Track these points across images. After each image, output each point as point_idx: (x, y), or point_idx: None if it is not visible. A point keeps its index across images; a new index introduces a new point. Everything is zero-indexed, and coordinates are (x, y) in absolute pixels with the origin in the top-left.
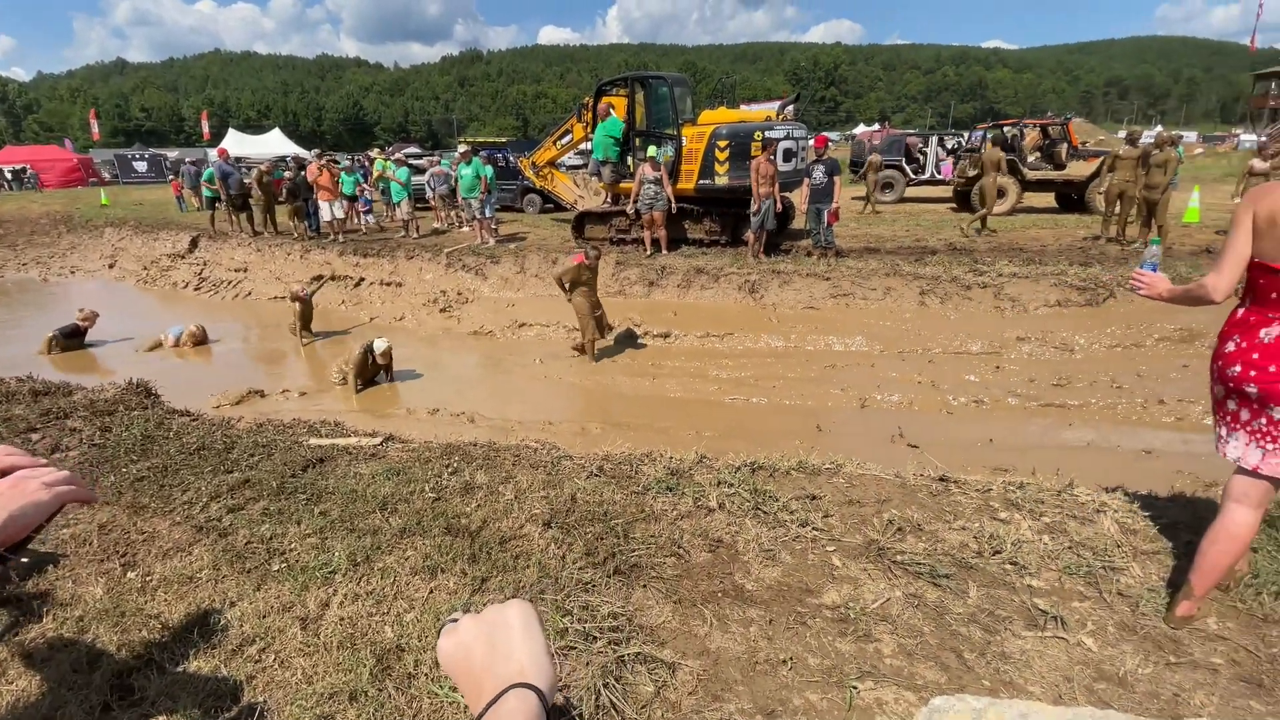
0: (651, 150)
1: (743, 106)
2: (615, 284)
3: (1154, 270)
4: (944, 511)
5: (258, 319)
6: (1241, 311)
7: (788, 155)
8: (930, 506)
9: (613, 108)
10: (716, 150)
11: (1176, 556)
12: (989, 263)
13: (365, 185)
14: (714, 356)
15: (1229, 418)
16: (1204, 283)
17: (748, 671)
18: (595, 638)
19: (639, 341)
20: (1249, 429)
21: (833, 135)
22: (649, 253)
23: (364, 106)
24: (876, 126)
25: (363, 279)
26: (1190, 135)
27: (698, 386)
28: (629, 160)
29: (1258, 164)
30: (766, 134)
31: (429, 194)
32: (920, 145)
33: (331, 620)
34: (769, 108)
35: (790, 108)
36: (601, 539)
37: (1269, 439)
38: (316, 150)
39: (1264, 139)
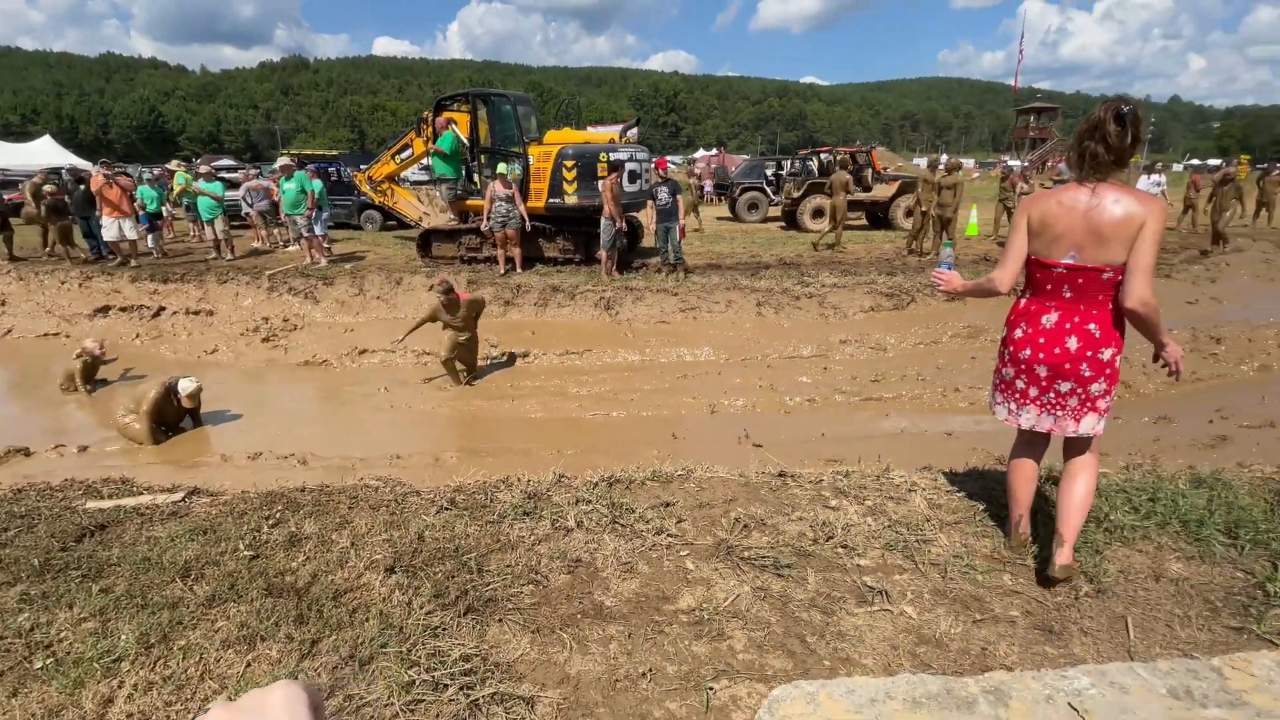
0: (501, 167)
1: (590, 128)
2: None
3: (949, 269)
4: (783, 505)
5: (21, 361)
6: (1024, 302)
7: (632, 177)
8: (771, 501)
9: (454, 123)
10: (564, 170)
11: (975, 524)
12: (813, 275)
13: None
14: (574, 374)
15: (1018, 395)
16: (991, 277)
17: (608, 691)
18: (445, 685)
19: (500, 362)
20: (1038, 403)
21: (674, 159)
22: (503, 271)
23: (163, 113)
24: (714, 151)
25: (163, 308)
26: (969, 162)
27: (558, 405)
28: (475, 177)
29: (1022, 185)
30: (612, 155)
31: (246, 211)
32: (775, 169)
33: (117, 719)
34: (613, 130)
35: (633, 131)
36: (453, 577)
37: (1058, 408)
38: (104, 160)
39: (1025, 165)
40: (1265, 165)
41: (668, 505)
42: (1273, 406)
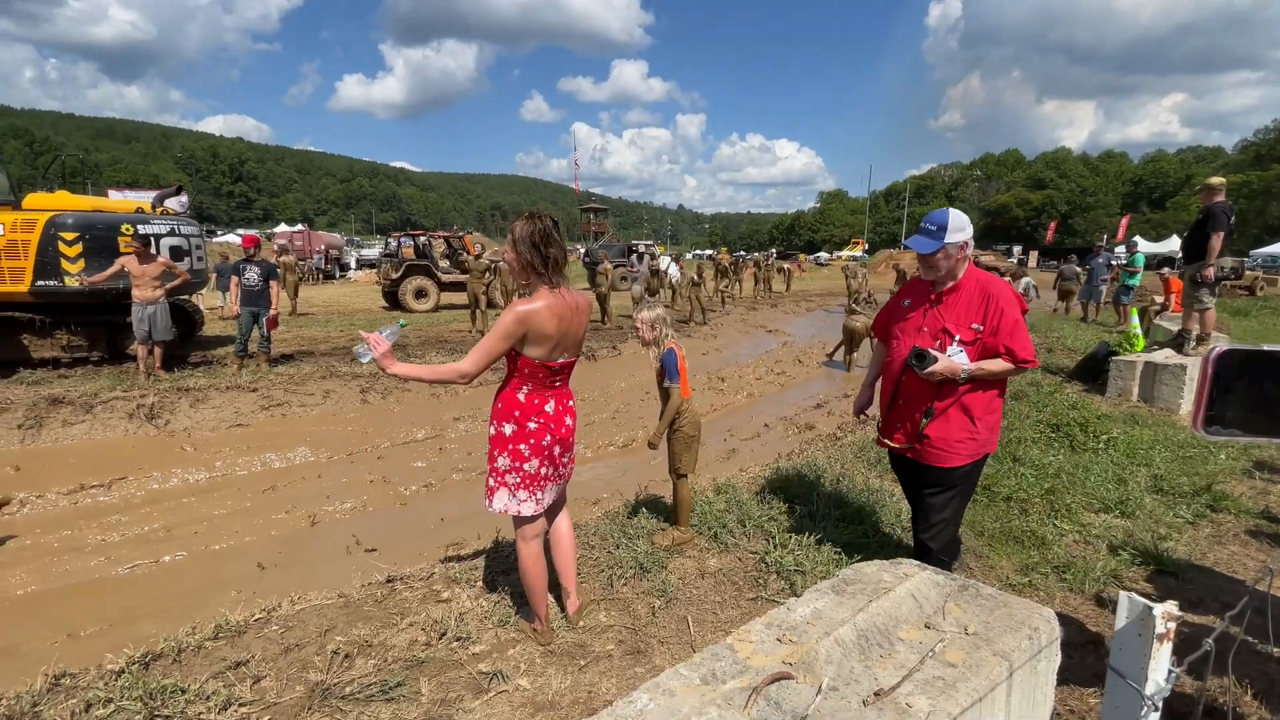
0: None
1: (115, 193)
2: None
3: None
4: (392, 615)
5: None
6: (525, 395)
7: (177, 254)
8: (377, 616)
9: None
10: (61, 244)
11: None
12: (420, 355)
13: None
14: (97, 515)
15: (543, 480)
16: (457, 367)
17: None
18: None
19: None
20: (555, 478)
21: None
22: None
23: None
24: (300, 227)
25: None
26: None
27: (70, 565)
28: None
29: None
30: (141, 227)
31: None
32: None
33: None
34: (142, 198)
35: (176, 200)
36: None
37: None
38: None
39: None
40: (739, 254)
41: (239, 665)
42: (757, 420)
